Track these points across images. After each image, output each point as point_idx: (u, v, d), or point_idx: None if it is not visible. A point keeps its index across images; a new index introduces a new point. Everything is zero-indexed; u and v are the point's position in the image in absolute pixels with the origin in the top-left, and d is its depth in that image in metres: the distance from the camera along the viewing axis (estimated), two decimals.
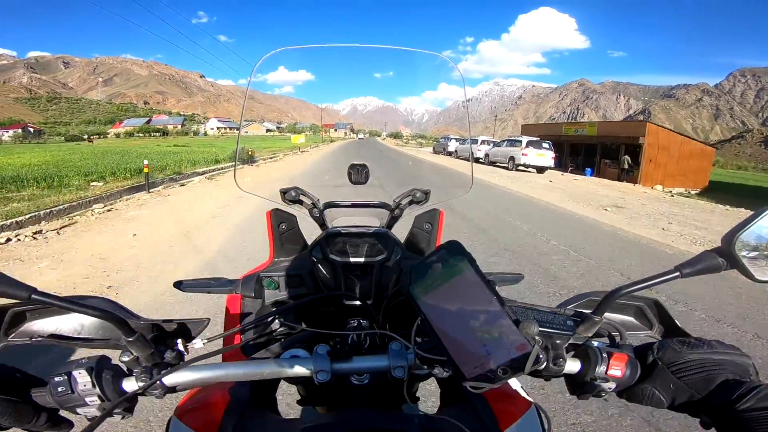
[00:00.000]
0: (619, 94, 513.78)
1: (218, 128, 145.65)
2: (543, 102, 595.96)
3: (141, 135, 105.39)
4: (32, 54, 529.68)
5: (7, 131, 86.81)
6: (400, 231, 0.90)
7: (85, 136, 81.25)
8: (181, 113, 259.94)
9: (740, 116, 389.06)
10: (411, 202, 0.92)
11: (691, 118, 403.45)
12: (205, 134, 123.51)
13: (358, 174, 1.00)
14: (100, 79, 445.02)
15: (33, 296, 0.43)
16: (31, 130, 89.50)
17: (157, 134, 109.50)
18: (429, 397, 1.63)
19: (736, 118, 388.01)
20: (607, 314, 0.57)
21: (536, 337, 0.43)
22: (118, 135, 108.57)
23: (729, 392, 0.44)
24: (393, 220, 0.94)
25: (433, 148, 34.80)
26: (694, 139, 24.11)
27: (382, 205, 0.95)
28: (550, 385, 2.32)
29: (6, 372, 0.48)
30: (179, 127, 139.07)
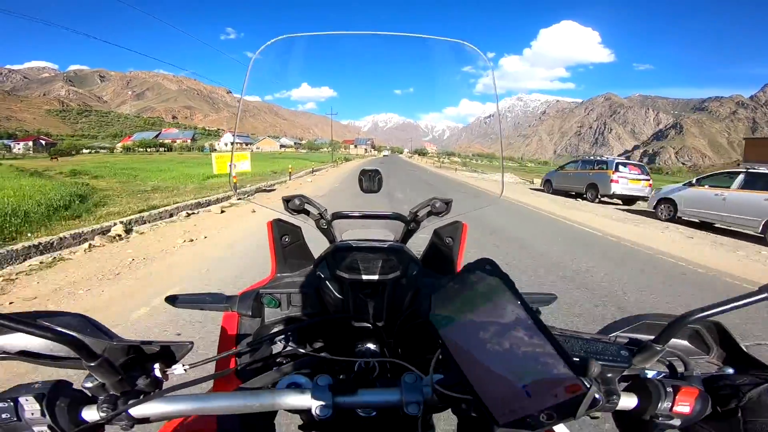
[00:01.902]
0: (648, 108, 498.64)
1: (232, 143, 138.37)
2: (568, 117, 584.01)
3: (142, 150, 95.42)
4: (72, 67, 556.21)
5: (19, 144, 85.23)
6: (418, 245, 0.83)
7: (90, 150, 74.19)
8: (207, 128, 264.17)
9: None
10: (430, 214, 0.84)
11: (726, 132, 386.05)
12: (212, 150, 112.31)
13: (371, 181, 0.91)
14: (130, 93, 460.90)
15: None
16: (43, 143, 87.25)
17: (163, 149, 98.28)
18: (444, 428, 1.24)
19: None
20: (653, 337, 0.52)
21: (592, 376, 0.36)
22: (112, 149, 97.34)
23: None
24: (409, 233, 0.86)
25: (545, 182, 17.24)
26: None
27: (397, 217, 0.87)
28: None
29: None
30: (188, 141, 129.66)
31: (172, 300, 0.70)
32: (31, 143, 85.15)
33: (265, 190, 12.60)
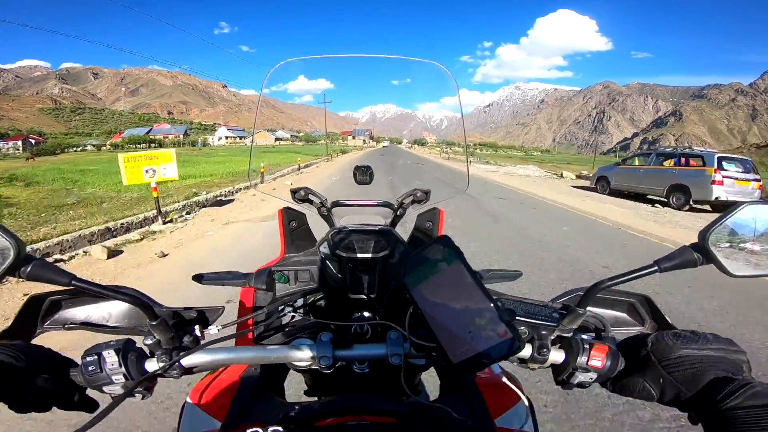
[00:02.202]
0: (647, 96, 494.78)
1: (227, 137, 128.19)
2: (566, 105, 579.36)
3: (131, 147, 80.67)
4: (65, 65, 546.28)
5: (8, 143, 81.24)
6: (405, 230, 0.94)
7: (78, 148, 65.71)
8: (203, 123, 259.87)
9: None
10: (413, 202, 0.96)
11: (726, 119, 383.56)
12: (204, 145, 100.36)
13: (363, 175, 1.05)
14: (123, 89, 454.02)
15: (73, 282, 0.47)
16: (33, 142, 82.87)
17: (154, 145, 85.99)
18: (431, 390, 1.55)
19: None
20: (599, 309, 0.63)
21: (519, 327, 0.48)
22: (101, 147, 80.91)
23: (717, 389, 0.43)
24: (396, 218, 0.98)
25: (598, 180, 14.02)
26: None
27: (386, 204, 1.00)
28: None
29: (48, 355, 0.52)
30: (180, 136, 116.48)
31: (198, 278, 0.80)
32: (20, 142, 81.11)
33: (217, 203, 9.06)
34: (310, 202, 0.95)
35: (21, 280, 0.45)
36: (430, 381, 0.93)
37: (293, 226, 0.93)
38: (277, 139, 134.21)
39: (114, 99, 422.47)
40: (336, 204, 0.98)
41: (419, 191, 0.96)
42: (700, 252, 0.49)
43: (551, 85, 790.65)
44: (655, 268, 0.50)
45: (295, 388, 1.03)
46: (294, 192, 0.95)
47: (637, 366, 0.52)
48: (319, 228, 0.96)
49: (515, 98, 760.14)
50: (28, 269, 0.46)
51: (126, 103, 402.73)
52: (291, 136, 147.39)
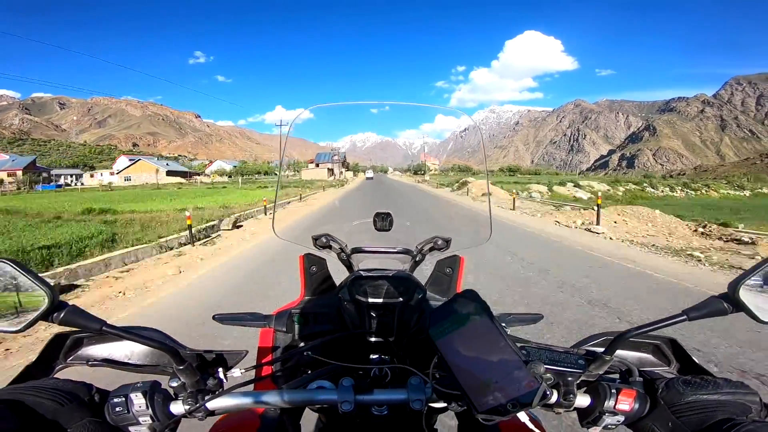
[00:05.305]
0: (617, 112, 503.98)
1: (120, 171, 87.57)
2: (541, 126, 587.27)
3: None
4: (34, 95, 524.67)
5: None
6: (424, 274, 0.96)
7: None
8: (170, 155, 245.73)
9: (747, 125, 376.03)
10: (432, 249, 0.98)
11: (698, 131, 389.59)
12: (66, 184, 72.52)
13: (383, 222, 1.06)
14: (75, 119, 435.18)
15: (104, 328, 0.49)
16: None
17: None
18: (448, 428, 1.56)
19: (743, 128, 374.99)
20: (624, 352, 0.66)
21: (544, 375, 0.49)
22: None
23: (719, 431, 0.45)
24: (415, 264, 1.00)
25: None
26: None
27: (405, 252, 1.02)
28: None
29: (83, 390, 0.53)
30: (18, 172, 72.22)
31: (219, 319, 0.84)
32: None
33: None
34: (330, 248, 0.98)
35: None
36: (446, 419, 0.93)
37: (313, 271, 0.94)
38: (172, 172, 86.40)
39: (80, 130, 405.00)
40: (356, 251, 1.01)
41: (440, 239, 0.97)
42: (730, 302, 0.51)
43: (524, 107, 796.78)
44: (684, 317, 0.51)
45: (307, 423, 1.03)
46: (315, 238, 0.97)
47: (648, 410, 0.54)
48: (339, 272, 0.97)
49: (491, 121, 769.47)
50: (62, 315, 0.48)
51: (91, 135, 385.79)
52: (234, 166, 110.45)
